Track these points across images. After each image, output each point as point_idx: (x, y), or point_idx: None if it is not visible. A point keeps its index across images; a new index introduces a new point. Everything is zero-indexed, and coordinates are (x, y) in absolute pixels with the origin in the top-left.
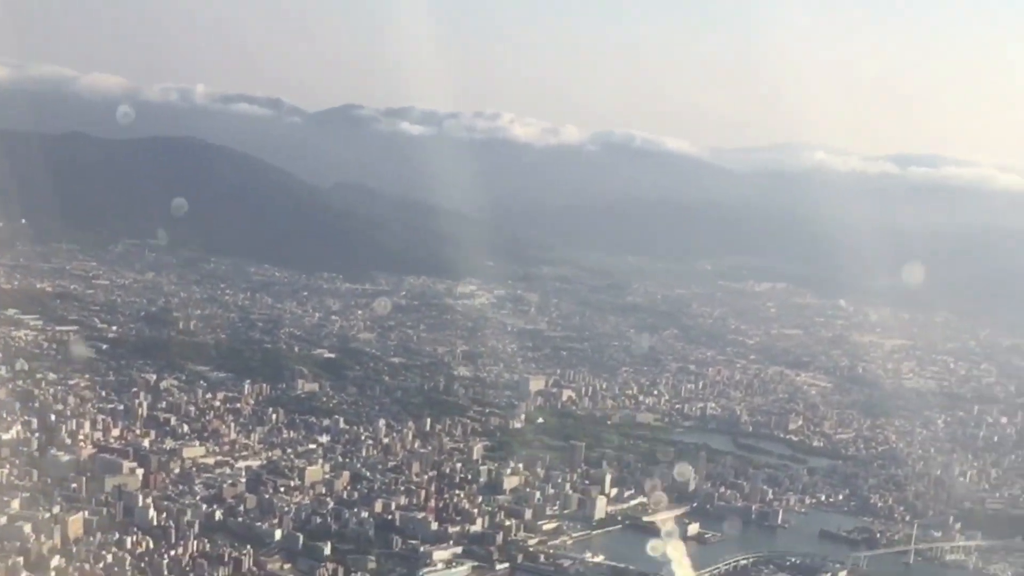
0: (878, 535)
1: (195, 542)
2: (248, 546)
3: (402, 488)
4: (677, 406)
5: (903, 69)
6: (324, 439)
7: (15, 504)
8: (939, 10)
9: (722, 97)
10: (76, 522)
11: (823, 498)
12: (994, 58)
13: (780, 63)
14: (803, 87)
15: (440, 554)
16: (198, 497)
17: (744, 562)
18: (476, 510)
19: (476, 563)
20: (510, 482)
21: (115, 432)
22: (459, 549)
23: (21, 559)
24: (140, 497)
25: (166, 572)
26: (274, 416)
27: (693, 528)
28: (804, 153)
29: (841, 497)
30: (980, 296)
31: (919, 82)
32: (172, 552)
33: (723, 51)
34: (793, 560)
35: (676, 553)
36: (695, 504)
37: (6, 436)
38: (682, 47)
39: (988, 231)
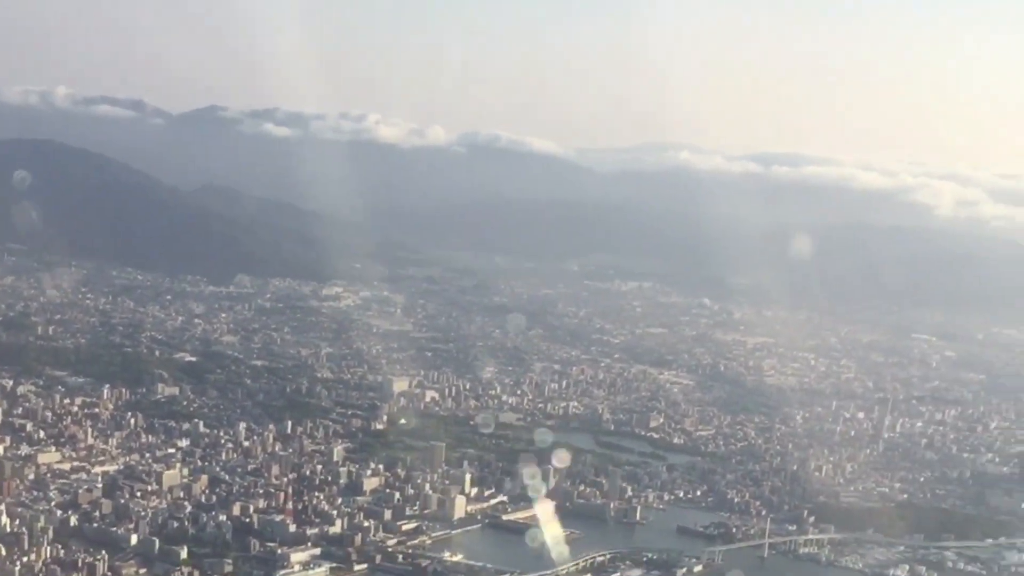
0: (734, 530)
1: (48, 548)
2: (103, 551)
3: (261, 491)
4: (540, 405)
5: (765, 69)
6: (183, 443)
7: None
8: (799, 11)
9: (587, 98)
10: None
11: (682, 494)
12: (853, 58)
13: (645, 64)
14: (668, 88)
15: (297, 556)
16: (53, 503)
17: (601, 558)
18: (335, 512)
19: (334, 564)
20: (370, 483)
21: None
22: (317, 551)
23: None
24: None
25: None
26: (133, 421)
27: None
28: (668, 153)
29: (699, 493)
30: (842, 294)
31: (781, 82)
32: (24, 559)
33: (587, 51)
34: (649, 556)
35: (534, 550)
36: (554, 502)
37: None
38: (548, 48)
39: (850, 229)
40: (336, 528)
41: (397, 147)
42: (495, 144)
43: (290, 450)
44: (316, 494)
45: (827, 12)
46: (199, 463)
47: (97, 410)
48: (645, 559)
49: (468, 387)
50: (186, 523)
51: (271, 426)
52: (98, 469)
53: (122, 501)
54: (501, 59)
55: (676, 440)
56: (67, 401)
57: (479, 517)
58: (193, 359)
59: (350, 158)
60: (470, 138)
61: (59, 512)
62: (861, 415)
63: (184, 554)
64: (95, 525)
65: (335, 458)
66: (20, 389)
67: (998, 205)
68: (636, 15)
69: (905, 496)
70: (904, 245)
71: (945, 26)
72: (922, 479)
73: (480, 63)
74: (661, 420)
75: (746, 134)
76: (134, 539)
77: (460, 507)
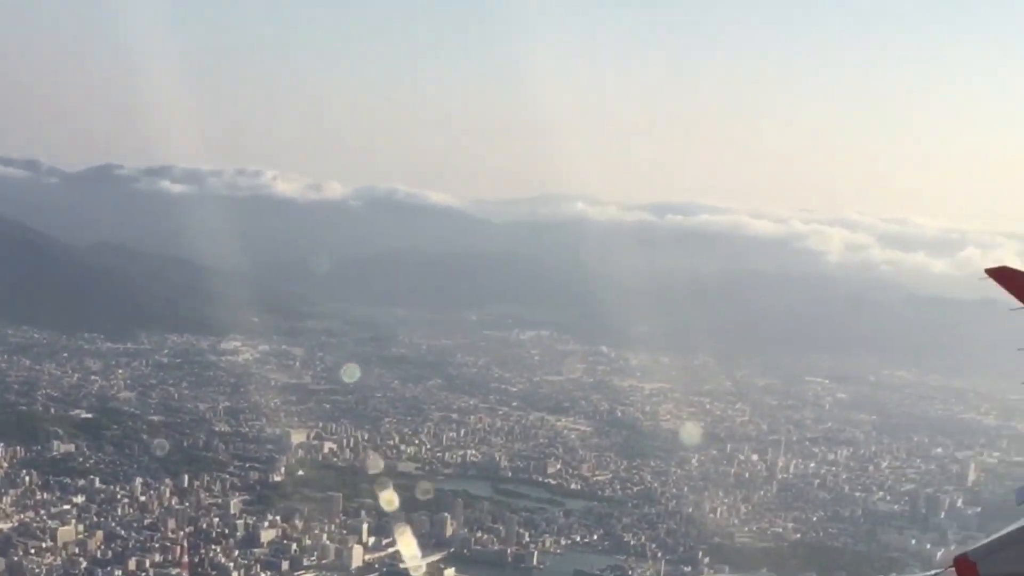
0: (630, 572)
1: None
2: None
3: (157, 545)
4: (438, 454)
5: (658, 120)
6: (79, 499)
7: None
8: (691, 63)
9: (483, 151)
10: None
11: (579, 539)
12: (743, 107)
13: (540, 116)
14: (563, 139)
15: None
16: None
17: None
18: (232, 564)
19: None
20: (267, 535)
21: None
22: None
23: None
24: None
25: None
26: (27, 478)
27: (449, 573)
28: (564, 204)
29: (596, 537)
30: (737, 338)
31: (675, 132)
32: None
33: (483, 105)
34: None
35: None
36: (451, 549)
37: None
38: (443, 101)
39: (743, 275)
40: None
41: (294, 202)
42: (392, 197)
43: (186, 504)
44: (213, 547)
45: (717, 63)
46: (95, 519)
47: None
48: None
49: (366, 438)
50: None
51: (168, 480)
52: None
53: (16, 559)
54: (397, 113)
55: (573, 485)
56: None
57: (377, 566)
58: (89, 416)
59: (247, 214)
60: (367, 192)
61: None
62: (755, 457)
63: None
64: None
65: (232, 511)
66: None
67: (886, 250)
68: (530, 69)
69: (798, 535)
70: (796, 290)
71: (832, 76)
72: (815, 518)
73: (376, 118)
74: (558, 466)
75: (640, 184)
76: None
77: (358, 556)
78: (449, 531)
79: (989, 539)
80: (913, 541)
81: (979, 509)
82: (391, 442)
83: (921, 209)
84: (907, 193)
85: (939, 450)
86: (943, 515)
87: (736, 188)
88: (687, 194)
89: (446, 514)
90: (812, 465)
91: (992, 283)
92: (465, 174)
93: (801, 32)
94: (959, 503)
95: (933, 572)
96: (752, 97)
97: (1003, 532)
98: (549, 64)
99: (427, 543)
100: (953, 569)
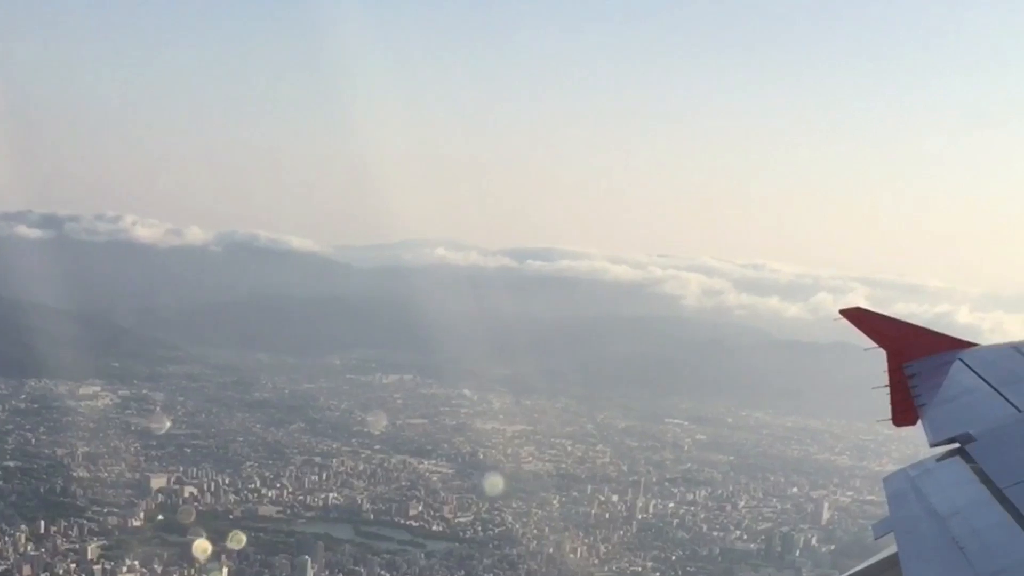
0: None
1: None
2: None
3: None
4: (300, 497)
5: (519, 165)
6: None
7: None
8: (544, 110)
9: (345, 196)
10: None
11: None
12: (603, 154)
13: (401, 162)
14: (425, 185)
15: None
16: None
17: None
18: None
19: None
20: None
21: None
22: None
23: None
24: None
25: None
26: None
27: None
28: (425, 249)
29: None
30: (597, 382)
31: (535, 178)
32: None
33: (344, 150)
34: None
35: None
36: None
37: None
38: (305, 147)
39: (603, 320)
40: None
41: (154, 247)
42: (254, 243)
43: (42, 550)
44: None
45: (574, 110)
46: None
47: None
48: None
49: (227, 481)
50: None
51: (23, 526)
52: None
53: None
54: (258, 159)
55: (435, 527)
56: None
57: None
58: None
59: (106, 259)
60: (228, 237)
61: None
62: (616, 497)
63: None
64: None
65: (89, 556)
66: None
67: (741, 294)
68: (389, 116)
69: (657, 574)
70: (655, 334)
71: (689, 122)
72: (674, 557)
73: (236, 163)
74: (420, 508)
75: (501, 230)
76: None
77: None
78: (310, 574)
79: (850, 572)
80: None
81: (833, 547)
82: (252, 486)
83: (777, 255)
84: (764, 239)
85: (795, 489)
86: (798, 553)
87: (596, 234)
88: (547, 239)
89: (307, 557)
90: (671, 505)
91: (845, 324)
92: (327, 220)
93: (658, 77)
94: (813, 541)
95: None
96: (612, 142)
97: (863, 565)
98: (409, 111)
99: None
100: None
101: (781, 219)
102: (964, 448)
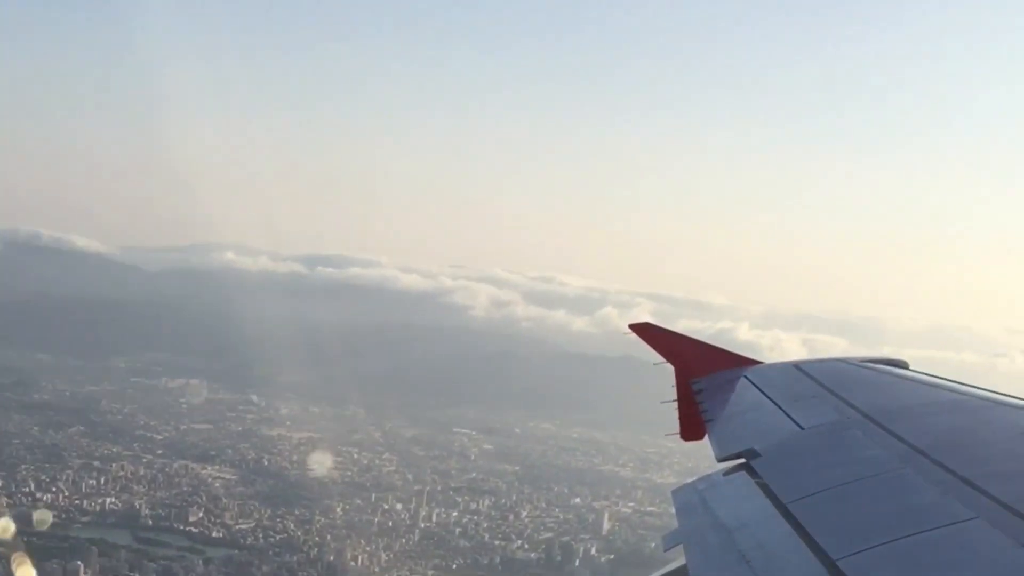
0: None
1: None
2: None
3: None
4: (77, 502)
5: (312, 171)
6: None
7: None
8: (339, 116)
9: (133, 197)
10: None
11: None
12: (397, 164)
13: (192, 164)
14: (216, 188)
15: None
16: None
17: None
18: None
19: None
20: None
21: None
22: None
23: None
24: None
25: None
26: None
27: None
28: (215, 253)
29: None
30: (387, 390)
31: (328, 185)
32: None
33: (134, 149)
34: None
35: None
36: None
37: None
38: (92, 145)
39: (393, 329)
40: None
41: None
42: (35, 242)
43: None
44: None
45: (368, 120)
46: None
47: None
48: None
49: (0, 484)
50: None
51: None
52: None
53: None
54: (43, 154)
55: (215, 534)
56: None
57: None
58: None
59: None
60: (8, 235)
61: None
62: (400, 506)
63: None
64: None
65: None
66: None
67: (530, 306)
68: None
69: None
70: (445, 344)
71: (480, 136)
72: (455, 566)
73: (19, 157)
74: (200, 514)
75: (292, 236)
76: None
77: None
78: None
79: None
80: None
81: (612, 556)
82: (26, 489)
83: (568, 269)
84: (556, 253)
85: (577, 500)
86: (577, 562)
87: (389, 243)
88: (338, 247)
89: (79, 562)
90: (455, 514)
91: (634, 338)
92: (114, 221)
93: (455, 84)
94: (593, 551)
95: None
96: (408, 151)
97: None
98: (198, 112)
99: None
100: None
101: (574, 233)
102: (750, 463)
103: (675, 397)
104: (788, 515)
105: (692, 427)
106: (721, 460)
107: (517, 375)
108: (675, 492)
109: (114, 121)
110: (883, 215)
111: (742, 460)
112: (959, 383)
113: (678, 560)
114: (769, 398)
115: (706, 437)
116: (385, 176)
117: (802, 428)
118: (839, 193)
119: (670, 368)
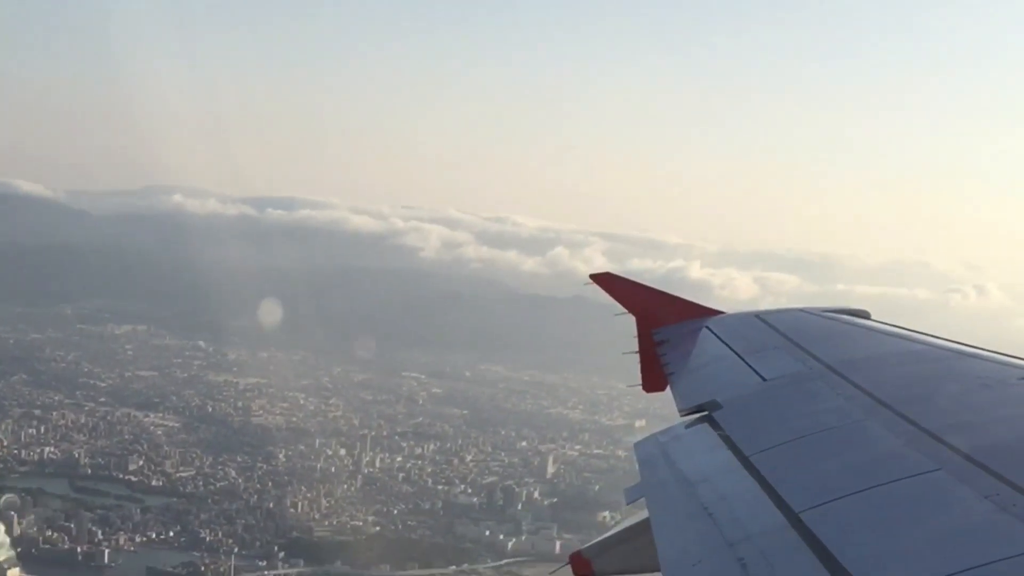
0: (202, 568)
1: None
2: None
3: None
4: (15, 451)
5: (263, 112)
6: None
7: None
8: (289, 55)
9: (78, 140)
10: None
11: (154, 535)
12: (351, 104)
13: (141, 106)
14: (162, 130)
15: None
16: None
17: None
18: None
19: None
20: None
21: None
22: None
23: None
24: None
25: None
26: None
27: (13, 573)
28: (163, 196)
29: (172, 534)
30: (337, 334)
31: (279, 126)
32: None
33: (81, 91)
34: None
35: None
36: (19, 550)
37: None
38: (39, 87)
39: (343, 272)
40: None
41: None
42: None
43: None
44: None
45: (319, 60)
46: None
47: None
48: None
49: None
50: None
51: None
52: None
53: None
54: None
55: (155, 482)
56: None
57: None
58: None
59: None
60: None
61: None
62: (343, 452)
63: None
64: None
65: None
66: None
67: (481, 247)
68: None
69: (377, 528)
70: (395, 286)
71: (445, 75)
72: (396, 511)
73: None
74: (141, 463)
75: (240, 178)
76: None
77: None
78: (17, 531)
79: (602, 537)
80: (487, 532)
81: (555, 500)
82: None
83: (522, 209)
84: (510, 193)
85: (524, 443)
86: (519, 506)
87: (341, 184)
88: (289, 188)
89: (13, 513)
90: (399, 459)
91: (584, 280)
92: (59, 165)
93: (413, 27)
94: (536, 494)
95: (551, 572)
96: (361, 91)
97: (615, 530)
98: (150, 55)
99: None
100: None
101: (530, 173)
102: (712, 415)
103: (636, 348)
104: (751, 467)
105: (654, 378)
106: (684, 413)
107: (468, 317)
108: (637, 445)
109: (59, 63)
110: (847, 150)
111: (704, 412)
112: (923, 333)
113: (641, 513)
114: (731, 349)
115: (668, 388)
116: (338, 116)
117: (764, 379)
118: (802, 130)
119: (624, 311)
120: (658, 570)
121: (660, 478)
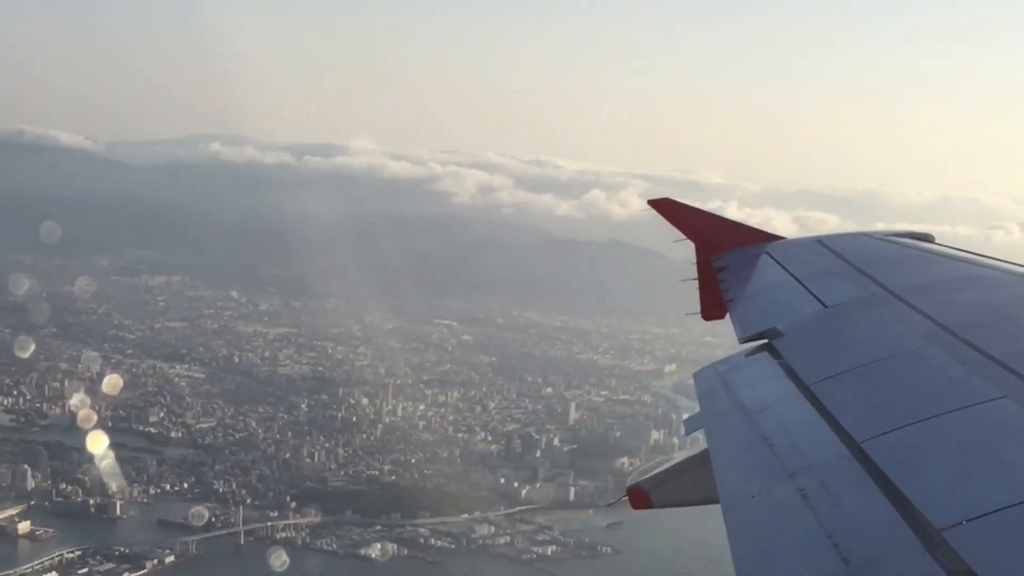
0: (213, 519)
1: None
2: None
3: None
4: (38, 405)
5: (300, 59)
6: None
7: None
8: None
9: (119, 90)
10: None
11: (168, 487)
12: (389, 48)
13: (176, 56)
14: (202, 78)
15: None
16: None
17: (71, 555)
18: None
19: None
20: None
21: None
22: None
23: None
24: None
25: None
26: None
27: (24, 526)
28: (201, 145)
29: (187, 485)
30: (372, 282)
31: (313, 71)
32: None
33: (121, 42)
34: (122, 550)
35: None
36: (32, 502)
37: None
38: (79, 40)
39: (379, 218)
40: None
41: None
42: (18, 139)
43: None
44: None
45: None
46: None
47: None
48: (117, 553)
49: None
50: None
51: None
52: None
53: None
54: (24, 49)
55: (174, 434)
56: None
57: None
58: None
59: None
60: None
61: None
62: (365, 400)
63: None
64: None
65: None
66: None
67: (519, 192)
68: (174, 7)
69: (393, 478)
70: (430, 232)
71: (483, 21)
72: (413, 460)
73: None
74: (161, 415)
75: (278, 125)
76: None
77: None
78: (31, 484)
79: (661, 469)
80: (502, 480)
81: (575, 446)
82: None
83: (564, 152)
84: (553, 135)
85: (549, 390)
86: (538, 453)
87: (381, 128)
88: (325, 134)
89: (27, 466)
90: (421, 407)
91: (621, 223)
92: (100, 115)
93: None
94: (556, 441)
95: (608, 503)
96: (403, 36)
97: (673, 462)
98: (190, 2)
99: (6, 497)
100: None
101: (572, 115)
102: (772, 343)
103: (695, 276)
104: (811, 397)
105: (713, 306)
106: (743, 341)
107: (501, 263)
108: (697, 375)
109: (98, 14)
110: (897, 85)
111: (764, 340)
112: (989, 257)
113: (699, 444)
114: (792, 275)
115: (727, 316)
116: (383, 61)
117: (825, 306)
118: (854, 64)
119: (662, 253)
120: (716, 502)
121: (719, 408)
